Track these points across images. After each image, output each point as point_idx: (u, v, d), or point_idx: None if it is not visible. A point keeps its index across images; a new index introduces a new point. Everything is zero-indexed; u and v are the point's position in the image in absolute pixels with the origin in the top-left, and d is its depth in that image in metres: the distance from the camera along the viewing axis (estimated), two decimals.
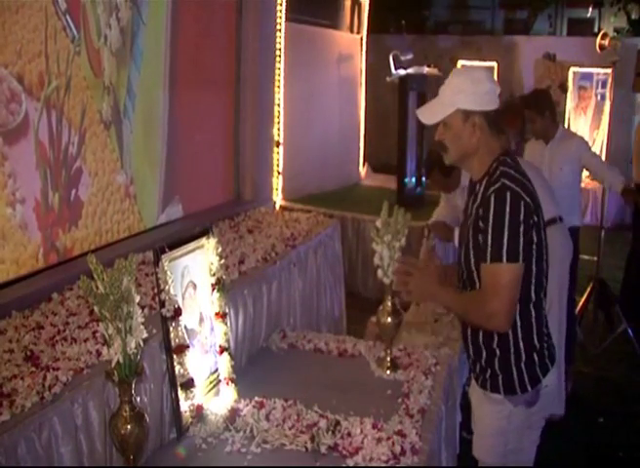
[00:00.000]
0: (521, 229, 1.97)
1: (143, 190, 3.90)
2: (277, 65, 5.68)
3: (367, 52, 8.17)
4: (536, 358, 2.12)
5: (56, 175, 3.15)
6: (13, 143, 2.87)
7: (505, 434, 2.17)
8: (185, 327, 2.32)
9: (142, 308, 2.04)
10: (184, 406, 2.29)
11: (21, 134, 2.92)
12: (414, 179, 6.64)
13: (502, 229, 1.96)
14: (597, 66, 8.89)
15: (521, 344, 2.10)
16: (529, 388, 2.12)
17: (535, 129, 4.20)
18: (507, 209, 1.97)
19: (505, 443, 2.18)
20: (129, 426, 1.80)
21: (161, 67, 4.02)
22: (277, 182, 5.82)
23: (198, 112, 4.46)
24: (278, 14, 5.63)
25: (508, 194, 1.99)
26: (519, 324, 2.09)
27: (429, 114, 2.14)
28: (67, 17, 3.16)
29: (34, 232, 3.02)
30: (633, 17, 15.97)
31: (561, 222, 3.69)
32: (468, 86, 2.08)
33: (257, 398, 2.50)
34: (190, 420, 2.32)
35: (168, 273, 2.25)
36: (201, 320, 2.46)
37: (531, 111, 4.16)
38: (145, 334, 1.83)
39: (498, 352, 2.12)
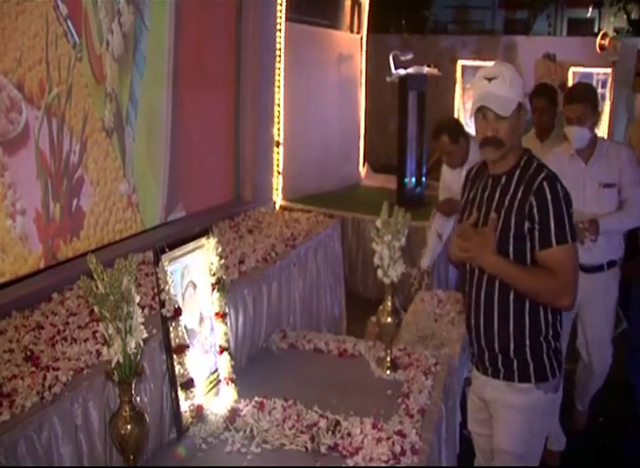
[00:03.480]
0: (572, 212, 2.10)
1: (146, 198, 3.85)
2: (277, 65, 5.67)
3: (367, 52, 8.15)
4: (558, 344, 2.20)
5: (57, 184, 3.10)
6: (13, 153, 2.82)
7: (533, 422, 2.21)
8: (185, 327, 2.33)
9: (142, 308, 2.04)
10: (184, 406, 2.29)
11: (22, 143, 2.88)
12: (414, 179, 6.64)
13: (562, 213, 2.06)
14: (597, 66, 8.88)
15: (550, 331, 2.16)
16: (557, 373, 2.18)
17: (542, 120, 3.99)
18: (562, 195, 2.07)
19: (531, 429, 2.21)
20: (129, 426, 1.80)
21: (164, 72, 3.97)
22: (277, 182, 5.81)
23: (199, 114, 4.44)
24: (278, 14, 5.62)
25: (558, 183, 2.08)
26: (550, 309, 2.14)
27: (501, 105, 2.08)
28: (69, 22, 3.12)
29: (35, 244, 2.97)
30: (633, 17, 15.96)
31: None
32: (518, 78, 2.11)
33: (257, 398, 2.50)
34: (190, 420, 2.32)
35: (168, 273, 2.25)
36: (201, 320, 2.46)
37: (541, 100, 3.99)
38: (145, 334, 1.83)
39: (528, 341, 2.15)
